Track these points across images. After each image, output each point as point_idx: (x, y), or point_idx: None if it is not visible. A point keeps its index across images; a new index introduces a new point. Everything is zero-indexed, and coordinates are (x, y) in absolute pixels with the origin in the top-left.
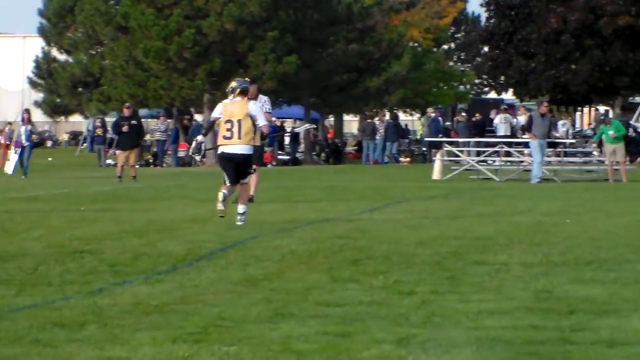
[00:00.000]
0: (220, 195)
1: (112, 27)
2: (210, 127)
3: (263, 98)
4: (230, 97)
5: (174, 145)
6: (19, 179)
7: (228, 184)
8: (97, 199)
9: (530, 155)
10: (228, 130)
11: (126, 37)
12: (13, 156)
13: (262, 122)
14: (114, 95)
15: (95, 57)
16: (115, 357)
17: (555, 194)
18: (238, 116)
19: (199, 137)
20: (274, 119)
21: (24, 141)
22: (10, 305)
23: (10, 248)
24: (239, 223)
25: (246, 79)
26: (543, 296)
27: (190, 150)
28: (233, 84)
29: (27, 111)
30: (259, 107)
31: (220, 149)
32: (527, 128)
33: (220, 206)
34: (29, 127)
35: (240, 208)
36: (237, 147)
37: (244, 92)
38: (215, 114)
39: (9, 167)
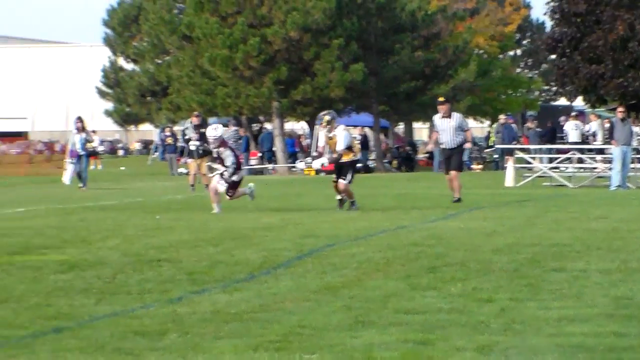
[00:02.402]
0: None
1: (177, 37)
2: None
3: (456, 115)
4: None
5: (245, 154)
6: (77, 190)
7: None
8: (171, 208)
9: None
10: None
11: (192, 46)
12: (69, 166)
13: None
14: (183, 104)
15: (162, 66)
16: None
17: (630, 200)
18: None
19: None
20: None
21: (79, 150)
22: (91, 314)
23: (87, 257)
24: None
25: (440, 99)
26: (623, 303)
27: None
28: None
29: (80, 119)
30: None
31: None
32: (609, 135)
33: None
34: (84, 135)
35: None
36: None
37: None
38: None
39: (66, 177)
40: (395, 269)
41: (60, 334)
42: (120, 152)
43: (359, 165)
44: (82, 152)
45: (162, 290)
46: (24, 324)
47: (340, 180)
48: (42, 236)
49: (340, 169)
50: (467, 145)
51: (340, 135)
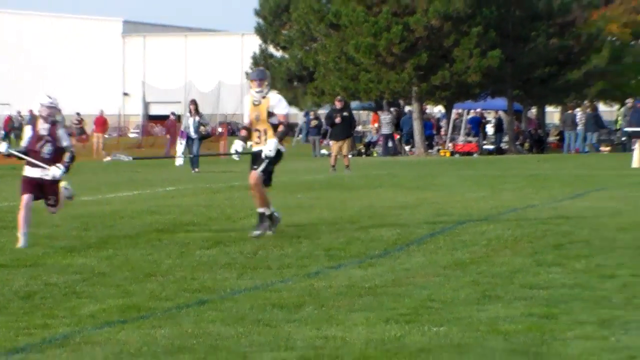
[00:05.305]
0: None
1: (324, 24)
2: None
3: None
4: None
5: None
6: (190, 172)
7: None
8: (313, 187)
9: None
10: None
11: (338, 34)
12: (179, 147)
13: None
14: (327, 88)
15: (309, 53)
16: (331, 336)
17: None
18: None
19: None
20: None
21: (192, 133)
22: (233, 287)
23: (231, 233)
24: None
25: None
26: None
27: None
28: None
29: (194, 102)
30: None
31: None
32: None
33: None
34: (197, 118)
35: None
36: None
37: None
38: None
39: (178, 160)
40: (523, 246)
41: (203, 306)
42: None
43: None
44: (195, 135)
45: (301, 265)
46: (169, 296)
47: (253, 171)
48: (190, 214)
49: (256, 156)
50: None
51: (276, 99)
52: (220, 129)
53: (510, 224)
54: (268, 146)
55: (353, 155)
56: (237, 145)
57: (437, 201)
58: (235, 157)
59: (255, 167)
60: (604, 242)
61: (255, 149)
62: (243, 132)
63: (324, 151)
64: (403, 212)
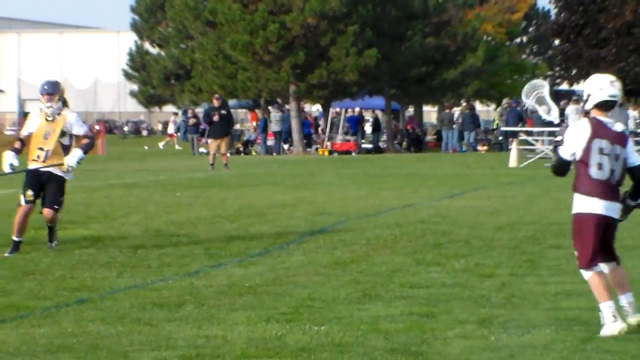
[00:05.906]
0: None
1: (200, 22)
2: None
3: None
4: None
5: (263, 135)
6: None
7: None
8: (191, 186)
9: None
10: None
11: (214, 32)
12: None
13: None
14: (205, 86)
15: (186, 51)
16: (212, 335)
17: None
18: None
19: None
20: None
21: None
22: (112, 286)
23: (111, 232)
24: None
25: None
26: None
27: None
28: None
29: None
30: None
31: None
32: None
33: None
34: None
35: None
36: None
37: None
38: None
39: None
40: (402, 245)
41: (83, 305)
42: (144, 133)
43: None
44: None
45: (181, 264)
46: (48, 295)
47: (47, 209)
48: (68, 212)
49: (43, 183)
50: None
51: (73, 118)
52: (97, 127)
53: (390, 223)
54: (72, 156)
55: (231, 153)
56: (11, 158)
57: (316, 200)
58: (7, 169)
59: (49, 202)
60: (483, 241)
61: (32, 166)
62: (17, 144)
63: (202, 149)
64: (282, 211)
